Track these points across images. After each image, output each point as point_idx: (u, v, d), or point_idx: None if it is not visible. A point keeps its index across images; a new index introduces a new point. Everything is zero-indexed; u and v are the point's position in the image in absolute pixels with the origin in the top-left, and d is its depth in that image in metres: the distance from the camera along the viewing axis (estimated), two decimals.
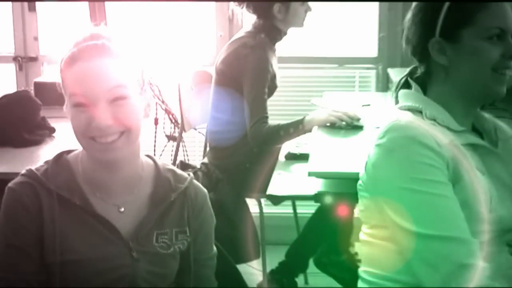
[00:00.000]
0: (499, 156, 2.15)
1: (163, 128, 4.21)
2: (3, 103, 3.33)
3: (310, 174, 3.01)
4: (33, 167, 2.05)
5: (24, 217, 1.98)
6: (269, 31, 3.73)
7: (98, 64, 1.94)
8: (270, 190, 3.49)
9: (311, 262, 3.85)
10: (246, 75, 3.64)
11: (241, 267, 3.89)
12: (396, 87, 2.23)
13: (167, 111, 4.08)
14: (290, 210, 4.33)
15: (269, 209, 4.25)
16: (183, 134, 4.10)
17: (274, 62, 3.77)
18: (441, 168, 1.97)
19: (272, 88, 3.79)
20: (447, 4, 2.08)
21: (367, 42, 4.69)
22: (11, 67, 4.85)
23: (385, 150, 2.03)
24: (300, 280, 4.01)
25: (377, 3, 4.67)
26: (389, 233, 2.03)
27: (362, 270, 2.17)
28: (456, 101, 2.11)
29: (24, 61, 4.81)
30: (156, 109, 4.09)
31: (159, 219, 2.08)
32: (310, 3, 3.77)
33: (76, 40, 1.99)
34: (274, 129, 3.61)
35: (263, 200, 3.78)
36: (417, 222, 1.94)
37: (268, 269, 3.86)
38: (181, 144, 4.12)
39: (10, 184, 2.02)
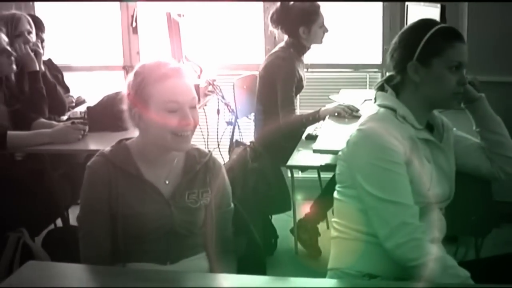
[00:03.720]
0: (442, 149, 2.15)
1: (224, 116, 4.23)
2: (105, 100, 3.38)
3: (314, 151, 3.06)
4: (103, 150, 2.14)
5: (98, 185, 2.07)
6: (296, 47, 3.76)
7: (185, 81, 2.05)
8: (294, 162, 3.53)
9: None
10: (279, 79, 3.69)
11: (278, 216, 3.98)
12: (377, 88, 2.22)
13: (226, 104, 4.12)
14: (314, 175, 4.30)
15: (297, 174, 4.24)
16: (238, 121, 4.14)
17: (300, 69, 3.79)
18: (400, 153, 2.00)
19: (299, 87, 3.82)
20: (426, 37, 2.05)
21: (375, 52, 4.62)
22: (121, 74, 4.91)
23: (364, 134, 2.05)
24: (321, 225, 4.00)
25: (380, 24, 4.61)
26: (356, 193, 2.05)
27: (333, 220, 2.18)
28: (420, 107, 2.10)
29: (130, 69, 4.79)
30: (218, 103, 4.16)
31: (189, 183, 2.14)
32: (327, 26, 3.79)
33: (157, 64, 2.06)
34: (298, 117, 3.65)
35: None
36: (377, 188, 1.98)
37: (297, 218, 3.87)
38: (236, 128, 4.16)
39: (88, 163, 2.11)
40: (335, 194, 2.17)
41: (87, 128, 3.27)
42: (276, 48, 3.82)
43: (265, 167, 3.68)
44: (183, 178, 2.14)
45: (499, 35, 4.16)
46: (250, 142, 3.93)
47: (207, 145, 4.36)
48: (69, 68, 4.83)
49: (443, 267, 1.92)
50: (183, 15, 4.09)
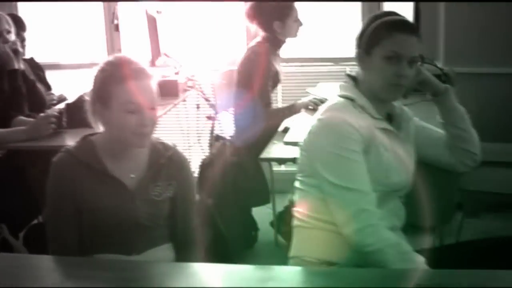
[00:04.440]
0: (400, 138, 2.17)
1: (204, 111, 4.27)
2: (84, 96, 3.40)
3: (285, 143, 3.09)
4: (68, 147, 2.19)
5: (63, 181, 2.12)
6: (272, 41, 3.79)
7: (146, 83, 2.09)
8: (271, 154, 3.54)
9: None
10: (255, 74, 3.72)
11: (258, 209, 4.03)
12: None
13: (206, 99, 4.16)
14: (294, 168, 4.29)
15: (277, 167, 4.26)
16: (218, 115, 4.15)
17: (276, 63, 3.83)
18: (358, 142, 2.03)
19: (276, 82, 3.86)
20: (370, 27, 2.10)
21: (354, 46, 4.61)
22: None
23: (323, 124, 2.08)
24: None
25: (359, 18, 4.63)
26: (316, 182, 2.08)
27: (294, 210, 2.20)
28: (374, 96, 2.12)
29: None
30: (198, 98, 4.20)
31: (154, 177, 2.18)
32: (301, 19, 3.83)
33: (120, 62, 2.10)
34: (274, 111, 3.69)
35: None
36: (336, 176, 2.02)
37: (277, 211, 3.90)
38: (217, 122, 4.20)
39: (53, 159, 2.16)
40: (296, 184, 2.20)
41: (64, 121, 3.30)
42: (252, 43, 3.85)
43: (244, 161, 3.75)
44: (148, 172, 2.19)
45: (476, 27, 4.21)
46: (230, 136, 4.00)
47: (188, 139, 4.42)
48: (53, 66, 4.86)
49: (398, 252, 1.97)
50: (161, 12, 4.14)
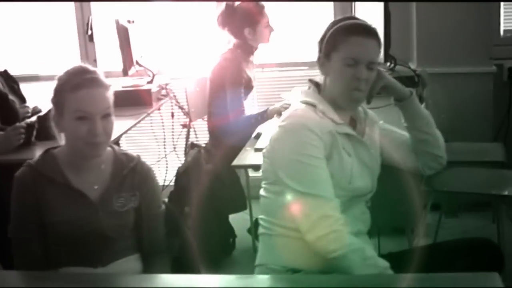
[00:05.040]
0: (364, 143, 2.17)
1: (178, 119, 4.28)
2: None
3: (256, 149, 3.09)
4: (30, 161, 2.19)
5: (26, 195, 2.12)
6: (243, 48, 3.80)
7: (98, 91, 2.09)
8: (245, 161, 3.54)
9: None
10: (227, 81, 3.73)
11: (236, 216, 4.02)
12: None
13: (180, 107, 4.17)
14: None
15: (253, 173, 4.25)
16: (193, 123, 4.17)
17: (249, 70, 3.83)
18: (320, 148, 2.03)
19: (249, 88, 3.86)
20: (329, 32, 2.10)
21: None
22: None
23: (284, 130, 2.08)
24: None
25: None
26: (279, 189, 2.08)
27: (259, 217, 2.20)
28: (335, 101, 2.11)
29: None
30: (172, 106, 4.20)
31: (117, 188, 2.17)
32: (272, 25, 3.83)
33: (75, 71, 2.12)
34: (247, 118, 3.69)
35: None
36: (298, 183, 2.01)
37: (254, 217, 3.87)
38: (192, 130, 4.20)
39: (16, 174, 2.16)
40: (261, 191, 2.20)
41: (34, 133, 3.29)
42: (224, 50, 3.86)
43: (218, 168, 3.73)
44: (111, 183, 2.18)
45: (448, 27, 4.23)
46: (206, 143, 4.00)
47: (165, 148, 4.41)
48: (29, 78, 4.84)
49: (362, 258, 1.96)
50: (133, 22, 4.14)
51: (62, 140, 2.21)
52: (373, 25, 2.14)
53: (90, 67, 2.16)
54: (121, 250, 2.18)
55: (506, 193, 3.27)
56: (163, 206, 2.31)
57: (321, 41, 2.14)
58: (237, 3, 3.81)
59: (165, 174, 4.41)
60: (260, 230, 2.20)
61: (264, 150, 2.17)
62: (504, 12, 4.59)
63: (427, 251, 2.22)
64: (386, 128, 2.32)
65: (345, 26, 2.09)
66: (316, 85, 2.19)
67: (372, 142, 2.23)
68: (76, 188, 2.14)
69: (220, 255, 3.80)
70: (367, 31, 2.09)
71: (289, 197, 2.04)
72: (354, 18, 2.17)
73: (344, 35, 2.07)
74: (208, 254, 3.43)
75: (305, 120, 2.06)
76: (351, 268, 1.94)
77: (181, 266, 2.32)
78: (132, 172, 2.22)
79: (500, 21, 4.58)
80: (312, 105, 2.11)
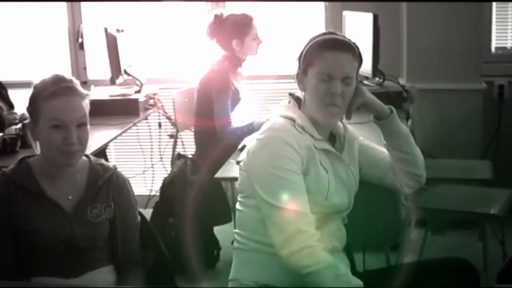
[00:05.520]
0: (342, 160, 2.17)
1: (166, 130, 4.28)
2: None
3: (237, 162, 3.07)
4: (5, 169, 2.18)
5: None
6: (231, 59, 3.77)
7: (73, 100, 2.09)
8: (229, 173, 3.53)
9: None
10: (214, 93, 3.71)
11: (221, 228, 4.00)
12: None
13: (167, 117, 4.16)
14: None
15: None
16: (181, 134, 4.16)
17: (236, 81, 3.82)
18: (297, 162, 2.02)
19: (237, 100, 3.84)
20: (306, 47, 2.10)
21: None
22: None
23: (261, 144, 2.08)
24: None
25: None
26: (255, 203, 2.07)
27: (235, 231, 2.19)
28: (313, 117, 2.09)
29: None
30: (159, 116, 4.20)
31: (92, 198, 2.17)
32: (261, 37, 3.83)
33: (51, 80, 2.12)
34: (233, 130, 3.66)
35: None
36: (273, 196, 2.00)
37: None
38: (180, 140, 4.19)
39: None
40: (237, 205, 2.19)
41: (19, 143, 3.28)
42: (214, 61, 3.85)
43: (204, 179, 3.72)
44: (86, 193, 2.18)
45: (438, 43, 4.23)
46: (192, 154, 3.99)
47: (152, 158, 4.41)
48: (20, 85, 4.81)
49: (335, 275, 1.95)
50: (122, 30, 4.14)
51: (38, 149, 2.20)
52: (352, 40, 2.13)
53: (67, 76, 2.16)
54: (95, 261, 2.17)
55: (491, 211, 3.27)
56: (139, 218, 2.30)
57: (299, 57, 2.14)
58: (226, 14, 3.80)
59: (151, 184, 4.40)
60: (235, 244, 2.19)
61: (241, 163, 2.16)
62: (496, 29, 4.60)
63: (403, 270, 2.21)
64: (365, 144, 2.31)
65: (320, 42, 2.09)
66: (297, 99, 2.18)
67: (351, 158, 2.22)
68: (50, 198, 2.13)
69: (204, 266, 3.77)
70: (342, 45, 2.08)
71: (264, 210, 2.03)
72: (332, 33, 2.16)
73: (319, 51, 2.07)
74: (192, 266, 3.45)
75: (282, 133, 2.05)
76: (324, 285, 1.93)
77: (156, 278, 2.30)
78: (108, 183, 2.21)
79: (491, 38, 4.58)
80: (291, 120, 2.10)
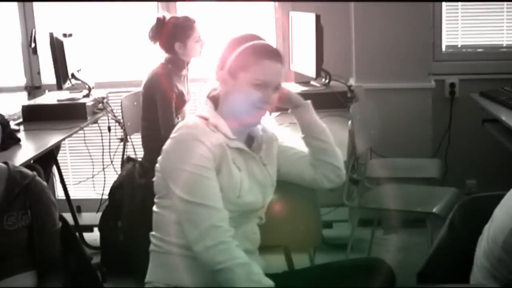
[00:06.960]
0: (256, 159, 2.21)
1: (115, 133, 4.29)
2: None
3: None
4: None
5: None
6: (174, 62, 3.80)
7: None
8: None
9: None
10: (158, 96, 3.75)
11: None
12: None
13: (117, 121, 4.18)
14: None
15: None
16: (133, 136, 4.19)
17: (181, 84, 3.85)
18: (210, 159, 2.05)
19: (182, 102, 3.88)
20: (237, 51, 2.11)
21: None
22: (24, 94, 4.90)
23: (174, 141, 2.11)
24: None
25: (274, 36, 4.68)
26: (170, 203, 2.09)
27: (151, 234, 2.21)
28: (233, 117, 2.15)
29: (31, 89, 4.88)
30: (109, 120, 4.22)
31: (8, 206, 2.20)
32: (204, 39, 3.86)
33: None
34: None
35: None
36: (187, 192, 2.02)
37: None
38: (130, 143, 4.21)
39: None
40: (153, 207, 2.21)
41: None
42: (157, 64, 3.87)
43: (152, 182, 3.74)
44: (2, 201, 2.21)
45: (387, 43, 4.27)
46: (141, 158, 4.01)
47: (103, 162, 4.42)
48: None
49: (247, 273, 1.97)
50: (70, 35, 4.15)
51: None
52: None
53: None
54: (14, 267, 2.21)
55: (433, 210, 3.30)
56: (59, 224, 2.32)
57: (223, 58, 2.15)
58: (167, 17, 3.83)
59: (102, 188, 4.42)
60: (150, 247, 2.21)
61: (156, 164, 2.18)
62: (446, 27, 4.64)
63: (317, 272, 2.24)
64: (285, 145, 2.37)
65: (256, 48, 2.12)
66: (214, 100, 2.21)
67: (268, 158, 2.26)
68: None
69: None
70: (278, 55, 2.14)
71: (178, 208, 2.05)
72: (258, 38, 2.19)
73: (256, 58, 2.10)
74: (139, 269, 3.47)
75: (194, 131, 2.09)
76: (235, 282, 1.95)
77: (80, 281, 2.33)
78: (25, 190, 2.24)
79: (442, 37, 4.62)
80: (205, 119, 2.14)
